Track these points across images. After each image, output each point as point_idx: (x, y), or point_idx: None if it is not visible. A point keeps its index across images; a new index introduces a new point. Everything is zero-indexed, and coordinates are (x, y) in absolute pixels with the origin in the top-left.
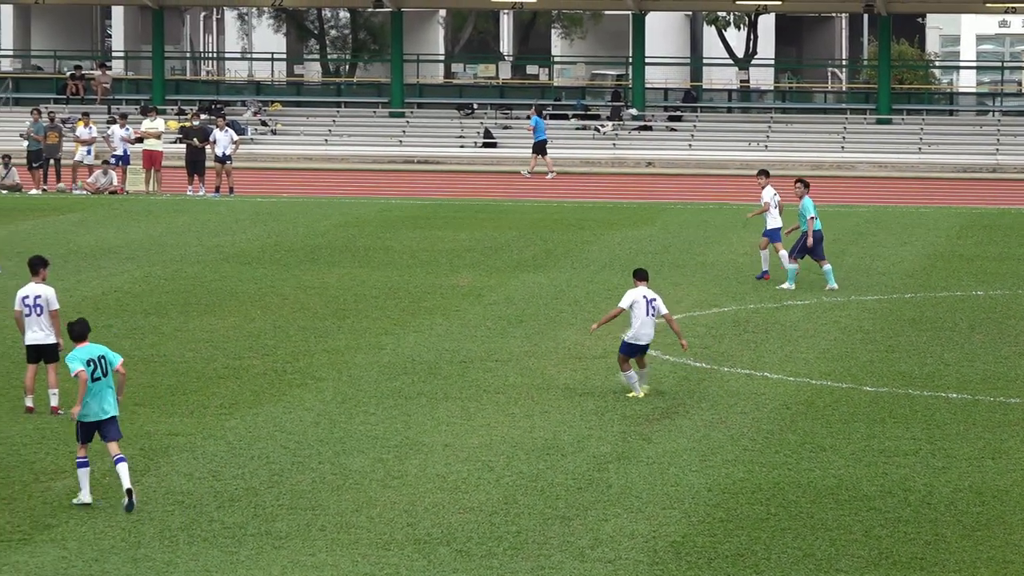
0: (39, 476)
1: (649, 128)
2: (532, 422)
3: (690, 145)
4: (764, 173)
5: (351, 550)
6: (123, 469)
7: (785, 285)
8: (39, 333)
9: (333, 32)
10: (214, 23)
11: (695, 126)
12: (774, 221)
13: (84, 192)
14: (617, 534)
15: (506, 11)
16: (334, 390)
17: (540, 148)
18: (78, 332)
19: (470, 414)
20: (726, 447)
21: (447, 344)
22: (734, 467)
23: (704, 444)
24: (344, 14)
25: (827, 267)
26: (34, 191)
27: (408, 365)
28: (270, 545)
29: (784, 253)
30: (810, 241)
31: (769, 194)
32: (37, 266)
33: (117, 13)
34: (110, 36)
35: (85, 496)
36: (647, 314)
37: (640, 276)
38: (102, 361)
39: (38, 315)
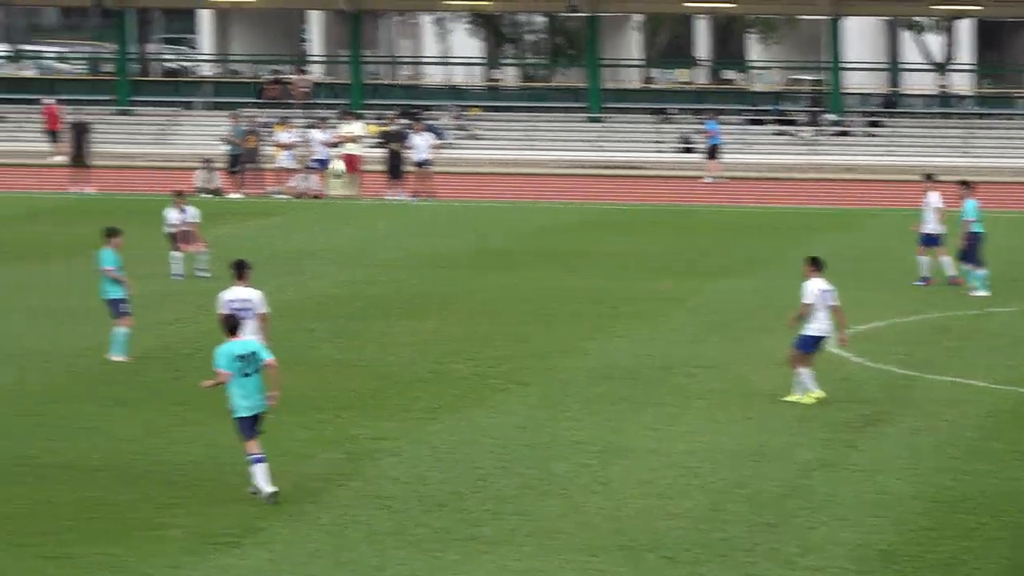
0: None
1: (847, 133)
2: (736, 428)
3: (889, 151)
4: (929, 177)
5: (558, 556)
6: (260, 470)
7: (979, 292)
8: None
9: (530, 37)
10: (411, 27)
11: (894, 131)
12: (938, 228)
13: (284, 196)
14: (824, 542)
15: (701, 16)
16: (539, 394)
17: (714, 152)
18: (231, 325)
19: (673, 420)
20: (932, 455)
21: (649, 349)
22: (941, 475)
23: (909, 452)
24: (541, 19)
25: (967, 267)
26: (234, 195)
27: (610, 370)
28: (476, 550)
29: (924, 259)
30: (961, 243)
31: (938, 199)
32: (242, 269)
33: (314, 18)
34: (307, 40)
35: (267, 487)
36: (825, 306)
37: (816, 265)
38: (253, 357)
39: (246, 319)
